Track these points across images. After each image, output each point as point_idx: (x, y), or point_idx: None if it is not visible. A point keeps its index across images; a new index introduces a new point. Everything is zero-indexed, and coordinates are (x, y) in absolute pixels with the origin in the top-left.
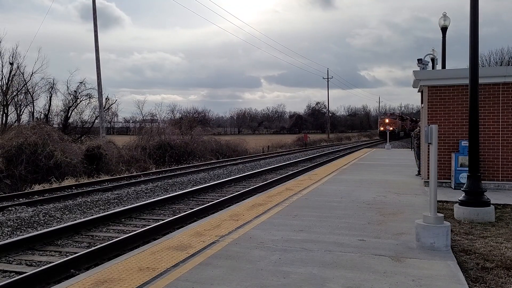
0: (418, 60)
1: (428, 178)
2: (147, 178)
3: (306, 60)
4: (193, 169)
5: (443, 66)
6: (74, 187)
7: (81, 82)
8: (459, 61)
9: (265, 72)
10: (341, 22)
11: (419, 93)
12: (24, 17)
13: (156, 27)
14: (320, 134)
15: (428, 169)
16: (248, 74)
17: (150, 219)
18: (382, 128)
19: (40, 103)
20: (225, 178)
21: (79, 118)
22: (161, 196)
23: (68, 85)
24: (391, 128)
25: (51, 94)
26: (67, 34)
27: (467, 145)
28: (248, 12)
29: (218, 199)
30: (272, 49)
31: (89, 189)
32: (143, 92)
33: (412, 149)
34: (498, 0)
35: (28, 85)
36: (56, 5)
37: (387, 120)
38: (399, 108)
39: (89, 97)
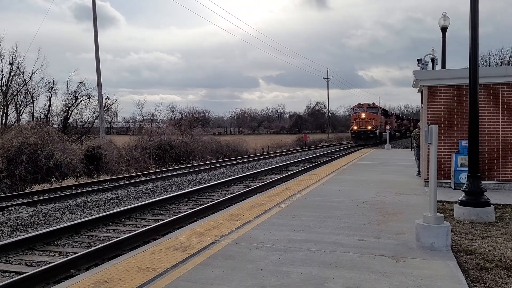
0: (418, 60)
1: (428, 178)
2: (147, 178)
3: (304, 60)
4: (193, 169)
5: (443, 66)
6: (74, 187)
7: (81, 82)
8: (455, 60)
9: (263, 72)
10: (336, 23)
11: (419, 93)
12: (20, 17)
13: (151, 27)
14: (320, 134)
15: (428, 169)
16: (246, 74)
17: (150, 219)
18: (355, 127)
19: (40, 103)
20: (225, 178)
21: (79, 118)
22: (161, 196)
23: (68, 85)
24: (369, 127)
25: (51, 94)
26: (62, 34)
27: (467, 145)
28: (243, 12)
29: (218, 199)
30: (269, 49)
31: (89, 189)
32: (141, 92)
33: (412, 149)
34: (493, 0)
35: (28, 85)
36: (51, 5)
37: (363, 115)
38: (399, 108)
39: (89, 97)
